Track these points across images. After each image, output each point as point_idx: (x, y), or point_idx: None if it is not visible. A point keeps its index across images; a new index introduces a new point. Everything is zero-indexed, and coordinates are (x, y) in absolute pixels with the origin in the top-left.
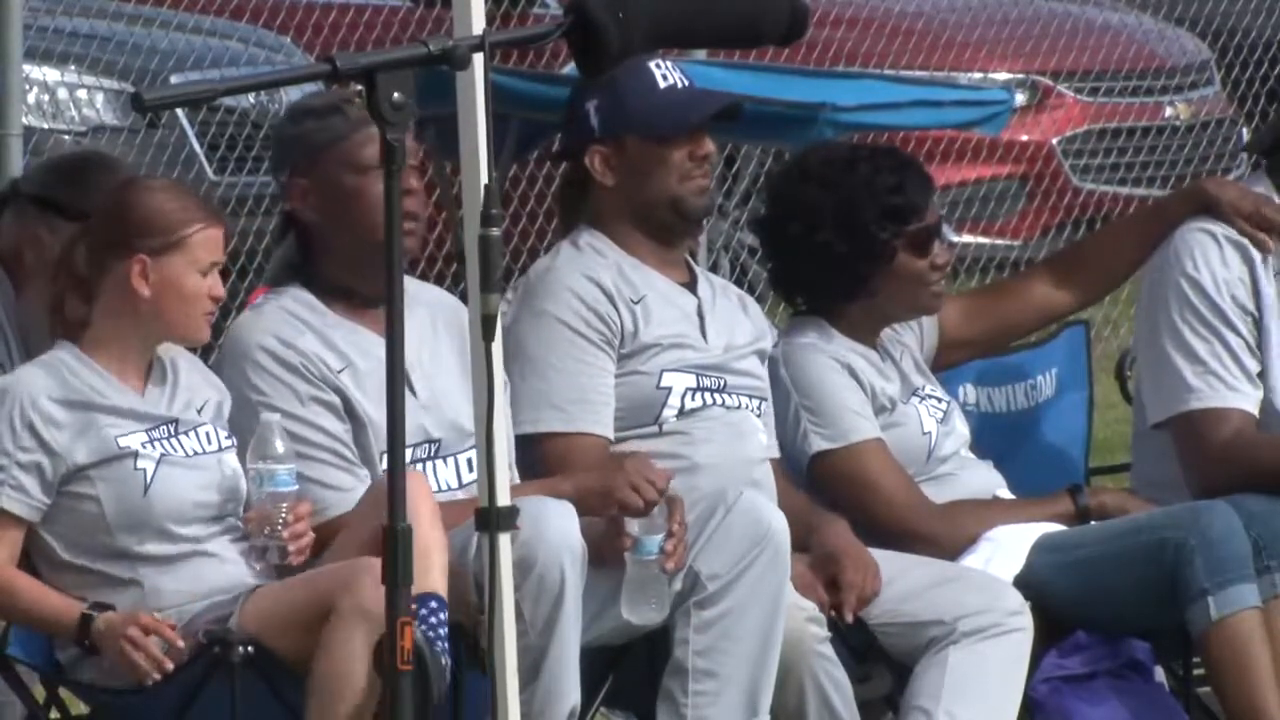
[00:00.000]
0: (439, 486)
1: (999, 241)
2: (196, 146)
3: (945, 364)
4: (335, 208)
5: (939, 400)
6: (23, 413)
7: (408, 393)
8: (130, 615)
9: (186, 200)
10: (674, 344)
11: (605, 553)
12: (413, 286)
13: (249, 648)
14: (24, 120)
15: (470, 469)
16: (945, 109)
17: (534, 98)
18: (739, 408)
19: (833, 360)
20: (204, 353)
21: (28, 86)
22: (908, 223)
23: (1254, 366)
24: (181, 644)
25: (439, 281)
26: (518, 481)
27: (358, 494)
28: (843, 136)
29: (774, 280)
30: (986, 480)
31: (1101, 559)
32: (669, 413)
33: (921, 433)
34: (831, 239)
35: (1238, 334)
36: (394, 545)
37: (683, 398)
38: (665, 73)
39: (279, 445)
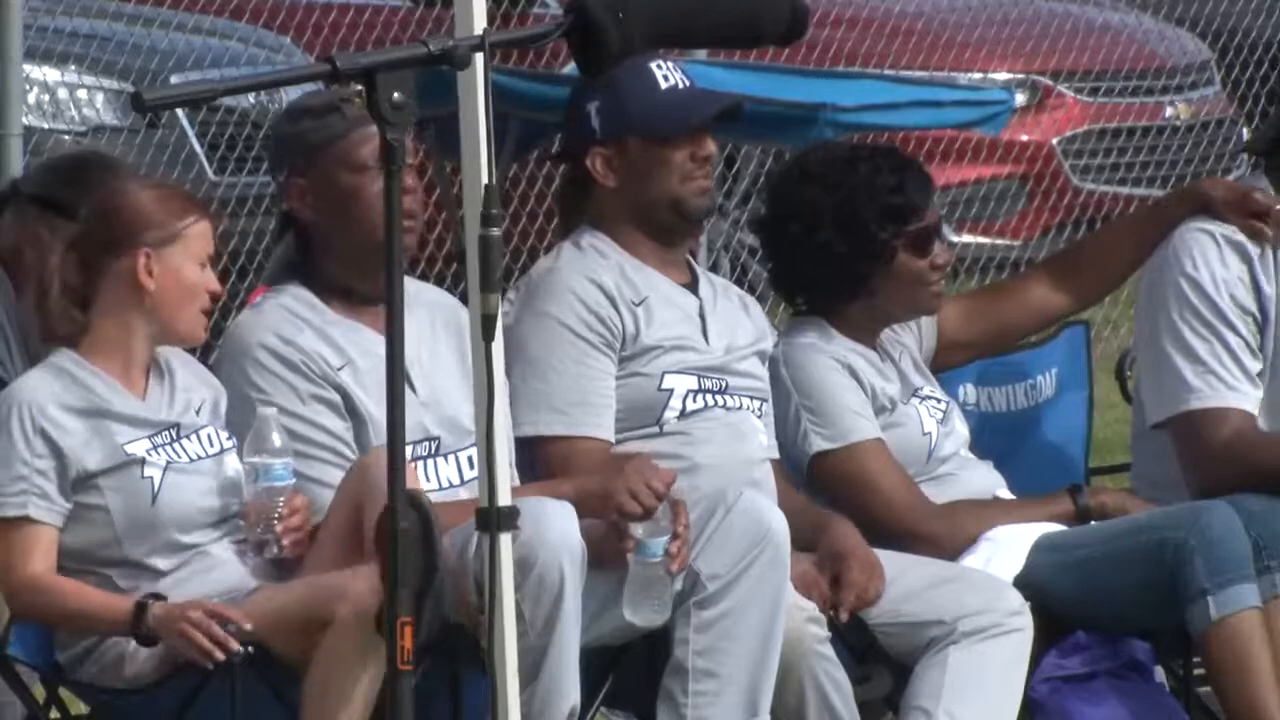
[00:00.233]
0: (440, 484)
1: (999, 241)
2: (196, 146)
3: (944, 365)
4: (333, 207)
5: (939, 401)
6: (33, 420)
7: (408, 390)
8: (190, 602)
9: (177, 194)
10: (675, 346)
11: (606, 554)
12: (412, 287)
13: (249, 648)
14: (24, 120)
15: (471, 466)
16: (945, 109)
17: (534, 98)
18: (740, 408)
19: (833, 360)
20: (204, 352)
21: (28, 86)
22: (908, 223)
23: (1254, 366)
24: (249, 626)
25: (439, 282)
26: (517, 483)
27: None
28: (843, 137)
29: (774, 280)
30: (986, 480)
31: (1101, 559)
32: (670, 414)
33: (922, 433)
34: (831, 239)
35: (1237, 334)
36: (394, 545)
37: (684, 399)
38: (666, 73)
39: (275, 439)
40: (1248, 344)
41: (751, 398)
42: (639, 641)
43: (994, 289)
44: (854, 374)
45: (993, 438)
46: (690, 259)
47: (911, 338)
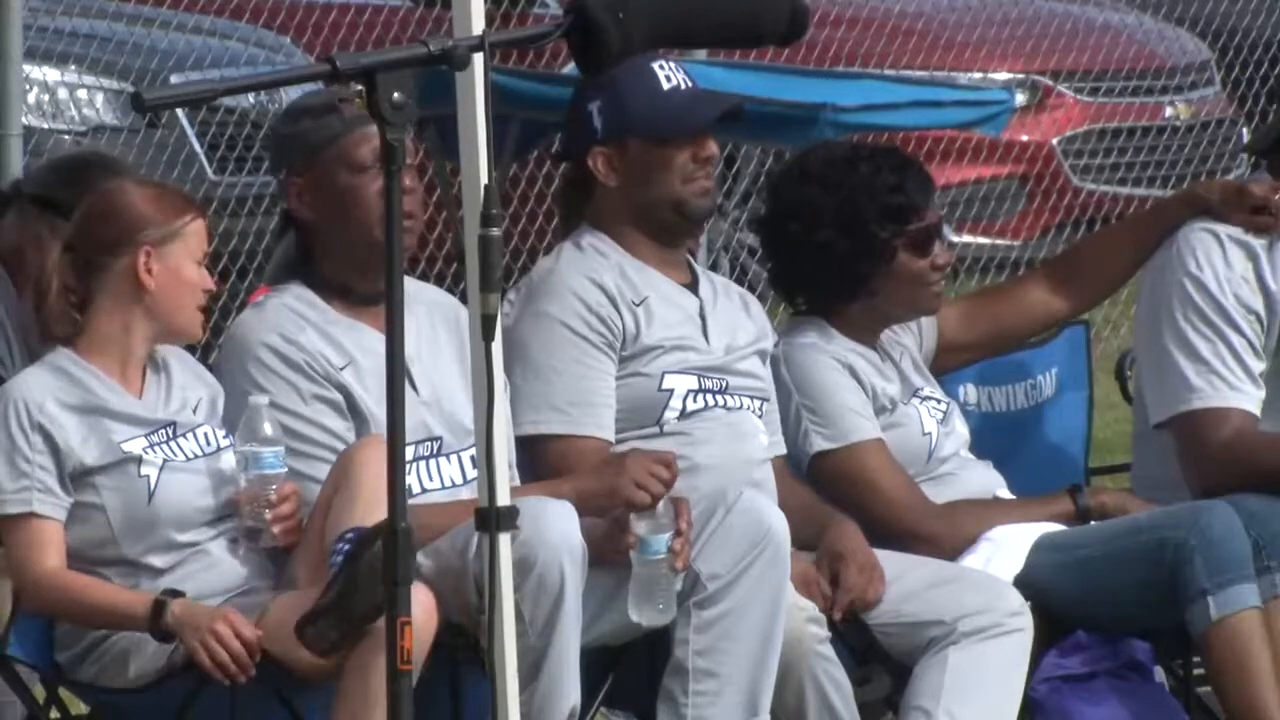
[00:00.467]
0: (443, 483)
1: (999, 241)
2: (196, 146)
3: (943, 367)
4: (331, 207)
5: (939, 401)
6: (29, 415)
7: (409, 389)
8: (221, 611)
9: (173, 193)
10: (676, 346)
11: (606, 553)
12: (412, 286)
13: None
14: (24, 120)
15: (474, 466)
16: (945, 109)
17: (534, 97)
18: (740, 408)
19: (833, 360)
20: (204, 352)
21: (28, 86)
22: (908, 223)
23: (1257, 366)
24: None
25: (439, 281)
26: (517, 483)
27: None
28: (843, 137)
29: (774, 280)
30: (986, 480)
31: (1101, 559)
32: (670, 414)
33: (922, 433)
34: (832, 239)
35: (1240, 333)
36: (394, 545)
37: (684, 399)
38: (669, 74)
39: (267, 428)
40: (1251, 344)
41: (752, 397)
42: (639, 641)
43: (993, 291)
44: (854, 374)
45: (993, 438)
46: (690, 259)
47: (911, 339)
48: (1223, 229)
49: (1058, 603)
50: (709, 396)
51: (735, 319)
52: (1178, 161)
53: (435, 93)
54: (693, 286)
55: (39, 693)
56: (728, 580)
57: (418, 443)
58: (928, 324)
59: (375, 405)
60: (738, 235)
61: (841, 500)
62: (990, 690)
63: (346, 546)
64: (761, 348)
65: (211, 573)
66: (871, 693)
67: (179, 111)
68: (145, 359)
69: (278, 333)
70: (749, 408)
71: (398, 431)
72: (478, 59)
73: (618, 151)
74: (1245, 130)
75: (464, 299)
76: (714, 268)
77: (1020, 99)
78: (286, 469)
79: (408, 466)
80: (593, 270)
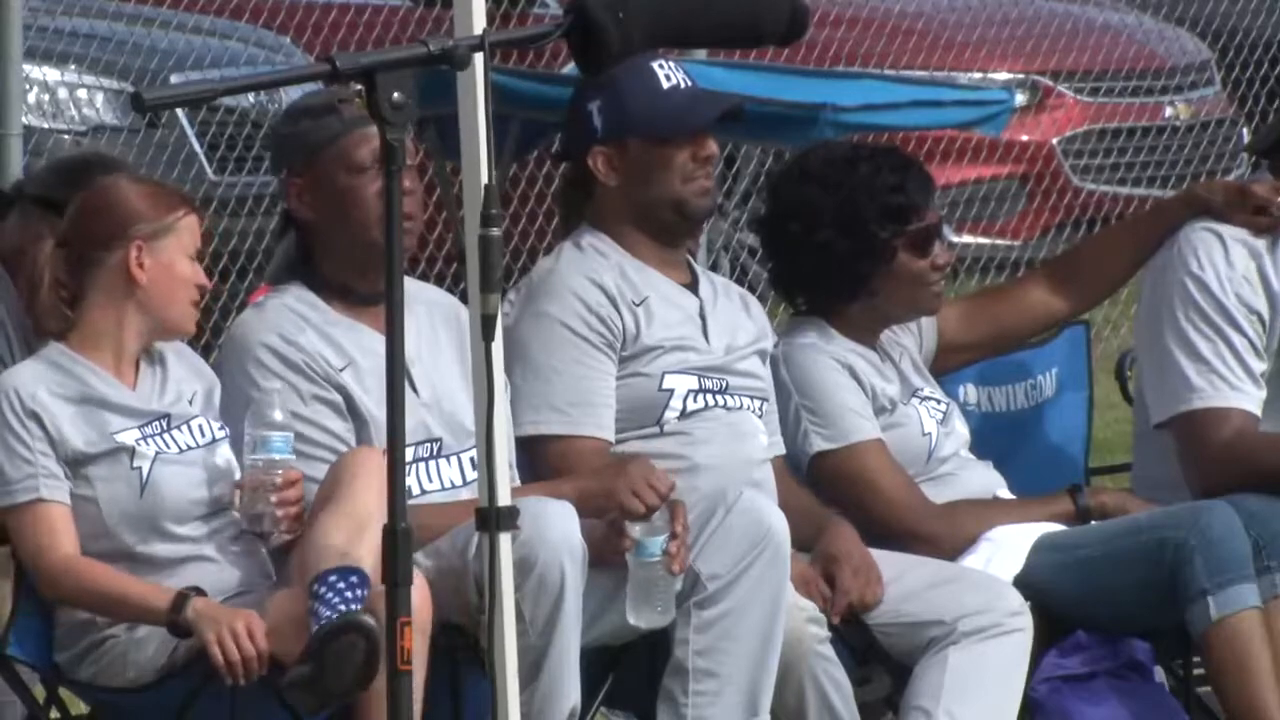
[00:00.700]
0: (443, 484)
1: (999, 241)
2: (196, 146)
3: (943, 367)
4: (331, 207)
5: (939, 401)
6: (23, 405)
7: (409, 390)
8: (244, 612)
9: (165, 189)
10: (676, 346)
11: (605, 554)
12: (412, 286)
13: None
14: (24, 120)
15: (474, 467)
16: (945, 109)
17: (535, 97)
18: (740, 408)
19: (833, 360)
20: (205, 352)
21: (28, 86)
22: (908, 223)
23: (1258, 366)
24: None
25: (439, 282)
26: (518, 483)
27: None
28: (843, 137)
29: (774, 280)
30: (986, 480)
31: (1101, 559)
32: (670, 414)
33: (921, 434)
34: (832, 239)
35: (1242, 333)
36: (394, 545)
37: (684, 399)
38: (668, 73)
39: (276, 414)
40: (1252, 344)
41: (752, 397)
42: (639, 641)
43: (993, 291)
44: (854, 374)
45: (993, 437)
46: (690, 259)
47: (911, 339)
48: (1225, 229)
49: (1058, 603)
50: (709, 396)
51: (735, 319)
52: (1178, 161)
53: (435, 93)
54: (693, 286)
55: (39, 693)
56: (728, 580)
57: (417, 444)
58: (928, 324)
59: (375, 407)
60: (738, 235)
61: (841, 500)
62: (990, 690)
63: (332, 597)
64: (761, 348)
65: (210, 574)
66: (871, 693)
67: (179, 111)
68: (139, 352)
69: (277, 333)
70: (749, 408)
71: (398, 432)
72: (478, 59)
73: (618, 151)
74: (1245, 130)
75: (464, 299)
76: (714, 268)
77: (1020, 99)
78: (294, 456)
79: (407, 468)
80: (593, 270)
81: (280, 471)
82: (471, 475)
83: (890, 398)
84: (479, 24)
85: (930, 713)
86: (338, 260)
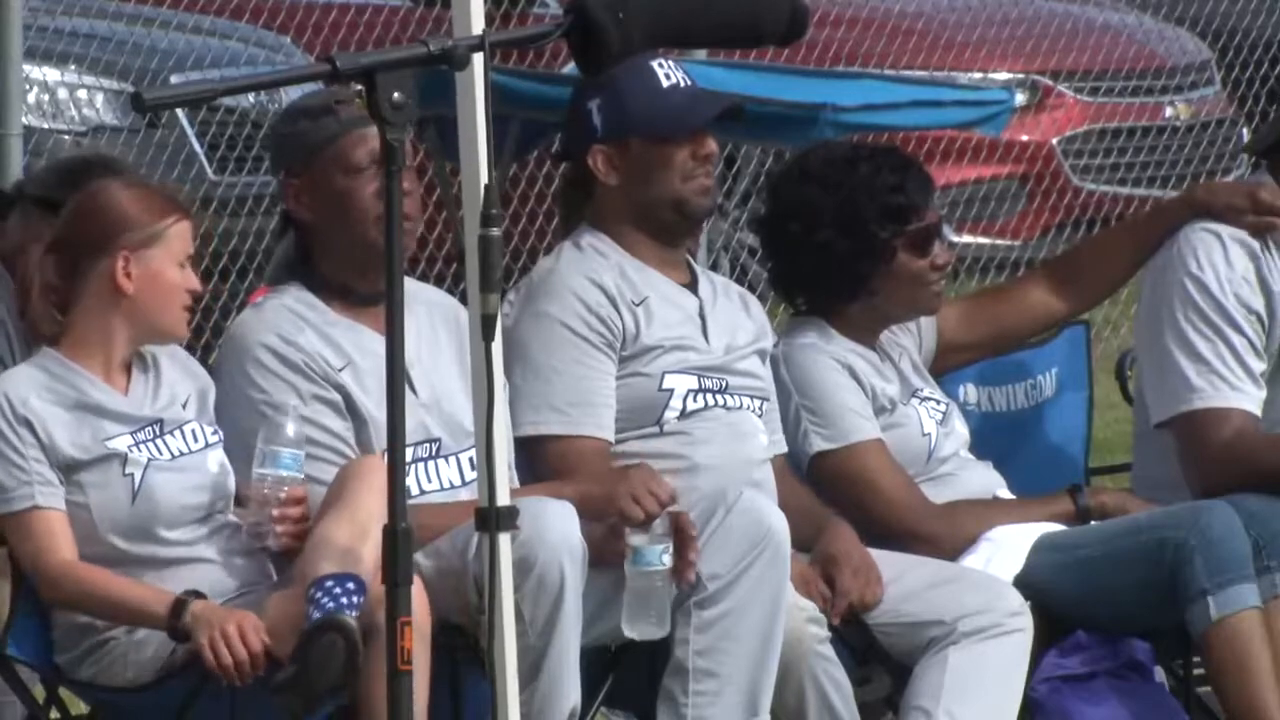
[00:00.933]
0: (441, 485)
1: (999, 241)
2: (196, 146)
3: (943, 368)
4: (328, 208)
5: (938, 402)
6: (15, 411)
7: (408, 391)
8: (239, 614)
9: (156, 195)
10: (676, 346)
11: (605, 554)
12: (411, 286)
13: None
14: (24, 120)
15: (473, 468)
16: (945, 109)
17: (534, 97)
18: (740, 408)
19: (833, 360)
20: (204, 352)
21: (28, 86)
22: (908, 222)
23: (1258, 366)
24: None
25: (439, 282)
26: (517, 484)
27: None
28: (844, 137)
29: (774, 280)
30: (986, 480)
31: (1101, 559)
32: (670, 414)
33: (921, 434)
34: (832, 239)
35: (1241, 333)
36: (394, 545)
37: (684, 399)
38: (668, 72)
39: (290, 429)
40: (1252, 344)
41: (752, 397)
42: (639, 641)
43: (993, 292)
44: (854, 374)
45: (993, 437)
46: (690, 259)
47: (911, 340)
48: (1224, 229)
49: (1058, 603)
50: (709, 396)
51: (735, 318)
52: (1178, 161)
53: (435, 93)
54: (692, 286)
55: (39, 693)
56: (728, 580)
57: (416, 444)
58: (927, 325)
59: (374, 407)
60: (738, 235)
61: (841, 501)
62: (990, 690)
63: (325, 600)
64: (761, 347)
65: (207, 574)
66: (871, 693)
67: (179, 111)
68: (129, 358)
69: (276, 333)
70: (749, 407)
71: (398, 432)
72: (478, 59)
73: (618, 150)
74: (1245, 130)
75: (464, 299)
76: (714, 268)
77: (1020, 99)
78: (303, 475)
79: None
80: (593, 270)
81: (285, 489)
82: (470, 476)
83: (890, 398)
84: (479, 24)
85: (930, 713)
86: (336, 261)
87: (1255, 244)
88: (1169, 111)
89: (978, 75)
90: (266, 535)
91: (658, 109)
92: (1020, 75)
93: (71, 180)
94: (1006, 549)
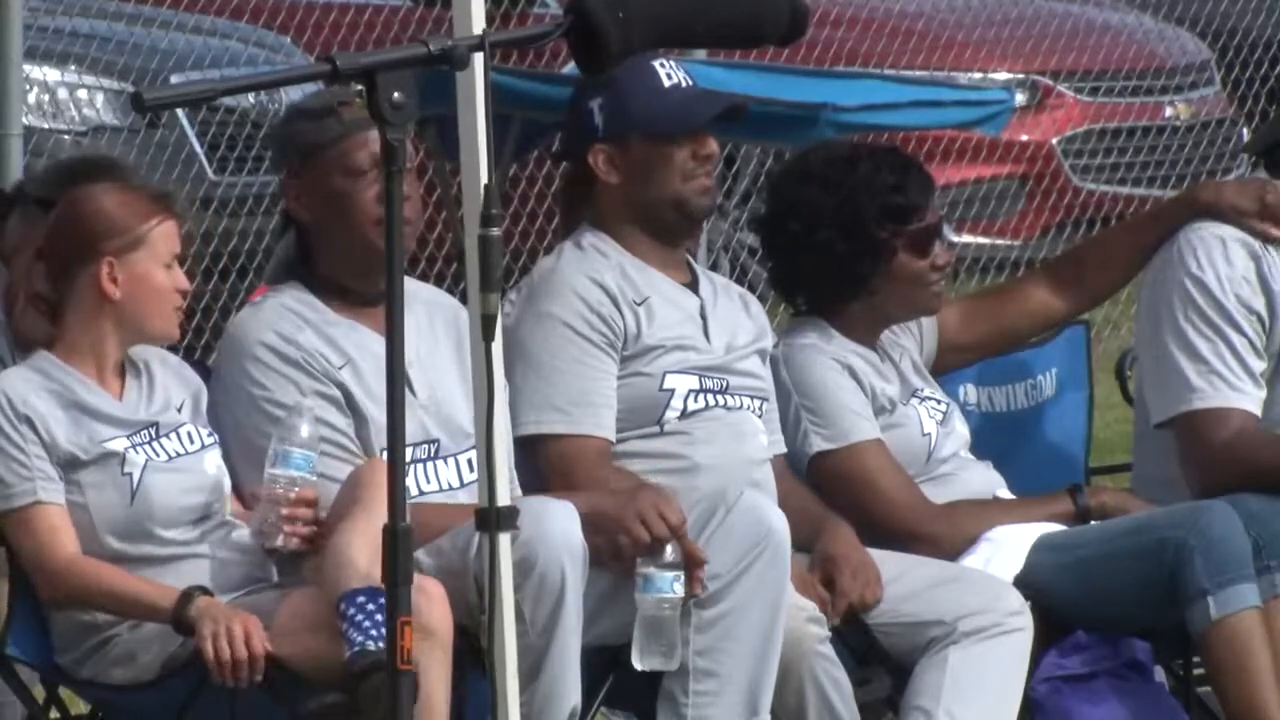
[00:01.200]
0: (440, 486)
1: (999, 241)
2: (196, 146)
3: (944, 368)
4: (327, 210)
5: (938, 402)
6: (15, 409)
7: (407, 392)
8: (244, 615)
9: (138, 196)
10: (677, 346)
11: (606, 553)
12: (410, 286)
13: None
14: (24, 120)
15: (471, 469)
16: (946, 109)
17: (535, 97)
18: (740, 408)
19: (833, 361)
20: (204, 352)
21: (28, 86)
22: (908, 222)
23: (1258, 366)
24: (258, 676)
25: (439, 282)
26: (516, 486)
27: None
28: (843, 136)
29: (774, 280)
30: (986, 480)
31: (1101, 559)
32: (671, 414)
33: (921, 434)
34: (832, 238)
35: (1242, 333)
36: (394, 545)
37: (685, 399)
38: (670, 72)
39: (304, 430)
40: (1252, 344)
41: (752, 397)
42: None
43: (994, 292)
44: (854, 374)
45: (993, 438)
46: (690, 259)
47: (911, 340)
48: (1224, 229)
49: (1058, 603)
50: (710, 396)
51: (735, 318)
52: (1178, 161)
53: (435, 93)
54: (693, 286)
55: (39, 693)
56: (728, 580)
57: (415, 445)
58: (928, 326)
59: (374, 406)
60: (738, 235)
61: (841, 501)
62: (990, 690)
63: (358, 616)
64: (761, 347)
65: (205, 571)
66: (871, 693)
67: (179, 111)
68: (121, 362)
69: (275, 331)
70: (749, 408)
71: (398, 432)
72: (478, 59)
73: (619, 149)
74: (1245, 130)
75: (464, 299)
76: (714, 268)
77: (1020, 99)
78: (315, 476)
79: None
80: (594, 270)
81: (296, 489)
82: (469, 477)
83: (890, 398)
84: (479, 24)
85: (930, 713)
86: (335, 261)
87: (1255, 243)
88: (1169, 111)
89: (978, 75)
90: (274, 535)
91: (659, 108)
92: (1020, 75)
93: (71, 180)
94: (1006, 549)
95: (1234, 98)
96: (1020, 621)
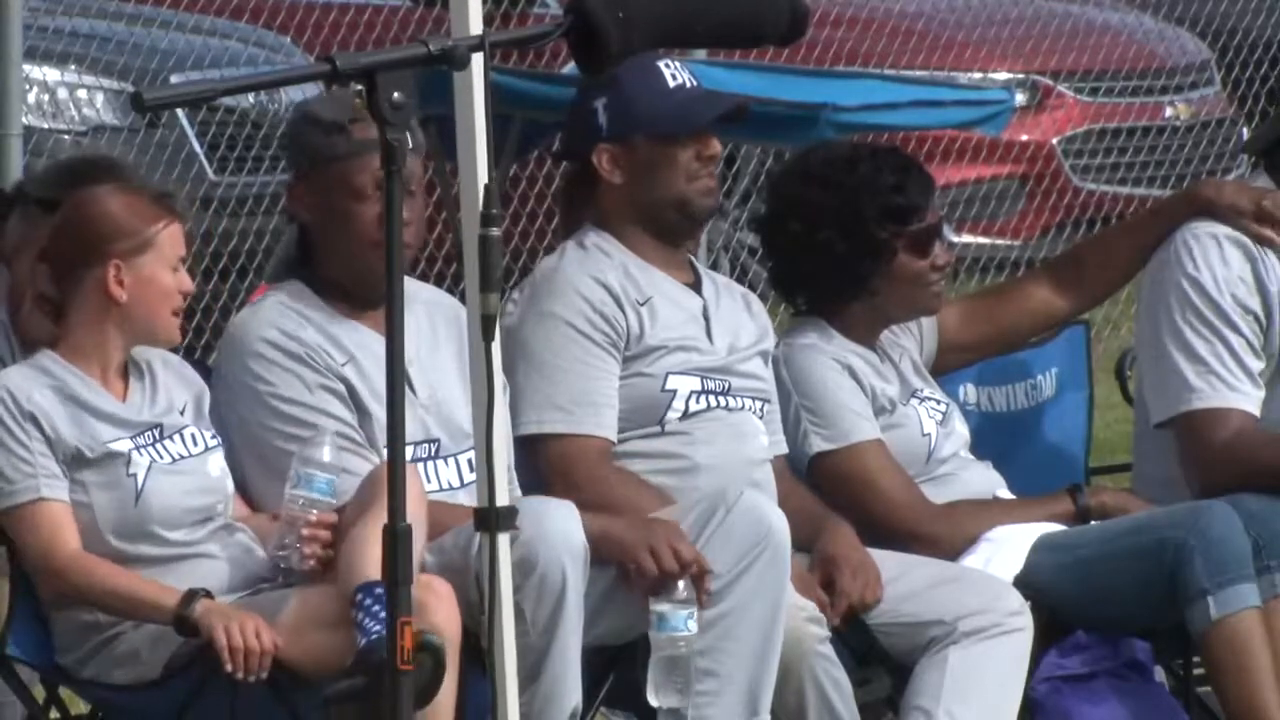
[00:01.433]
0: (440, 486)
1: (999, 241)
2: (196, 146)
3: (944, 368)
4: (328, 221)
5: (938, 402)
6: (21, 408)
7: (408, 391)
8: (254, 615)
9: (145, 199)
10: (679, 346)
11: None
12: (411, 286)
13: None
14: (24, 120)
15: (471, 470)
16: (946, 109)
17: (535, 97)
18: (741, 409)
19: (833, 361)
20: (204, 352)
21: (28, 86)
22: (908, 223)
23: (1256, 366)
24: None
25: (439, 281)
26: (516, 487)
27: None
28: (843, 136)
29: (774, 280)
30: (986, 480)
31: (1101, 559)
32: (672, 415)
33: (921, 434)
34: (832, 238)
35: (1239, 333)
36: (394, 545)
37: (687, 400)
38: (674, 73)
39: (325, 453)
40: (1250, 344)
41: (754, 398)
42: (639, 641)
43: (994, 292)
44: (854, 375)
45: (993, 437)
46: (692, 259)
47: (912, 341)
48: (1221, 229)
49: (1058, 603)
50: (711, 398)
51: (738, 319)
52: (1178, 161)
53: (435, 93)
54: (696, 286)
55: (39, 693)
56: (728, 580)
57: (415, 444)
58: (928, 326)
59: (377, 403)
60: (738, 235)
61: (841, 501)
62: (990, 690)
63: (374, 605)
64: (763, 348)
65: (213, 572)
66: (871, 693)
67: (179, 111)
68: (125, 363)
69: (277, 328)
70: (750, 408)
71: (398, 432)
72: (477, 59)
73: (623, 149)
74: (1245, 130)
75: (464, 299)
76: (714, 268)
77: (1020, 99)
78: (334, 499)
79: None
80: (597, 269)
81: (315, 512)
82: (469, 478)
83: (890, 398)
84: (478, 24)
85: (930, 713)
86: (335, 266)
87: (1252, 244)
88: (1169, 111)
89: (978, 75)
90: (291, 555)
91: (664, 109)
92: (1020, 75)
93: (72, 180)
94: (1006, 549)
95: (1234, 98)
96: (1020, 621)
